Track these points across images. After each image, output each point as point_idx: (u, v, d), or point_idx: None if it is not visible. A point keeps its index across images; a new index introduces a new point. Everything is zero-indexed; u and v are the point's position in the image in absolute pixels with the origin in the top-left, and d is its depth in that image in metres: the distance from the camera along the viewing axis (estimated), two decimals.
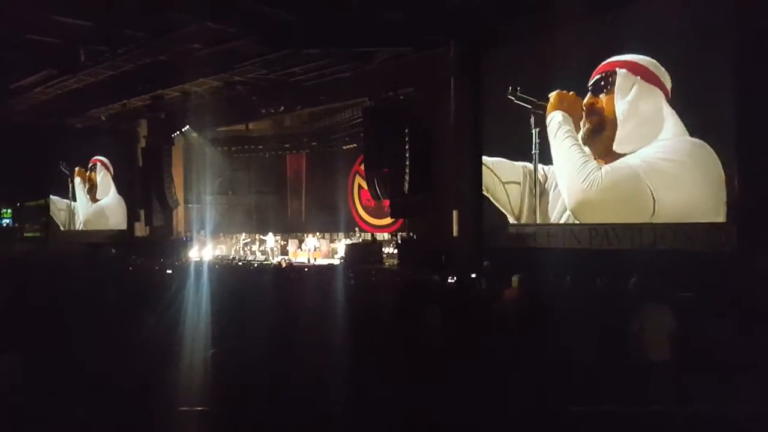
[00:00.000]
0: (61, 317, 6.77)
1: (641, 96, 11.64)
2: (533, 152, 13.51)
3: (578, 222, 12.78)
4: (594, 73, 12.32)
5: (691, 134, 10.87)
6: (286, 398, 4.96)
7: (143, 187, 22.15)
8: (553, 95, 13.08)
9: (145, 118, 22.25)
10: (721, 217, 10.53)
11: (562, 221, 13.09)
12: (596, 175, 12.33)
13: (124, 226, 23.52)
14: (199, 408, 5.16)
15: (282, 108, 19.88)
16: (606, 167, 12.21)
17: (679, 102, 11.06)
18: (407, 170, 15.48)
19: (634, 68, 11.74)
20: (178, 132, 21.94)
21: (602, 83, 12.23)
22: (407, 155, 15.51)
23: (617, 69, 11.97)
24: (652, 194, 11.34)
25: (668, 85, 11.24)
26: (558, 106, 13.05)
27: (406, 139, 15.62)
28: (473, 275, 10.82)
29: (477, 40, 14.33)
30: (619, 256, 11.58)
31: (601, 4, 12.07)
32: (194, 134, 22.25)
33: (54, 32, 14.79)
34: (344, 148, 22.14)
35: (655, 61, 11.39)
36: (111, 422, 4.63)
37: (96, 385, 5.00)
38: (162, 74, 17.73)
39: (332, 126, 21.79)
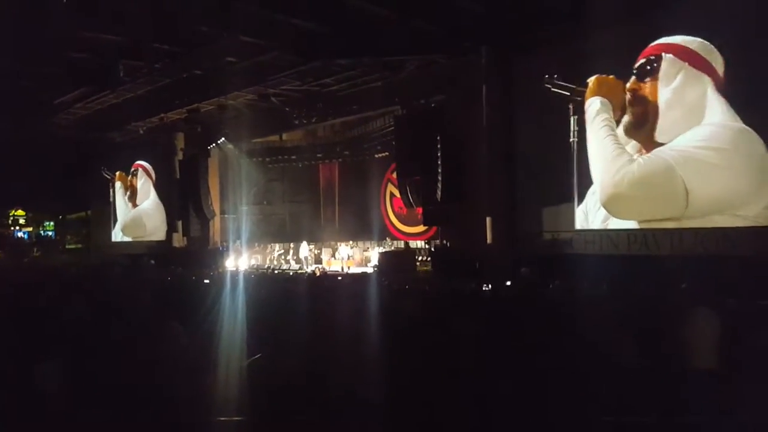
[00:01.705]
0: (102, 327, 6.91)
1: (687, 83, 11.11)
2: (572, 140, 13.04)
3: (612, 216, 12.39)
4: (640, 56, 11.77)
5: (743, 121, 10.38)
6: (323, 408, 4.96)
7: (181, 198, 22.56)
8: (592, 80, 12.60)
9: (182, 130, 22.69)
10: (764, 212, 10.14)
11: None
12: (629, 168, 11.91)
13: (162, 231, 23.80)
14: (237, 418, 5.19)
15: (315, 118, 20.06)
16: (639, 159, 11.77)
17: (731, 88, 10.51)
18: (440, 177, 15.43)
19: (682, 53, 11.19)
20: (214, 144, 22.32)
21: (648, 68, 11.68)
22: (439, 162, 15.47)
23: (663, 54, 11.45)
24: (686, 187, 10.91)
25: (720, 69, 10.67)
26: (597, 92, 12.55)
27: (438, 146, 15.58)
28: (508, 282, 10.70)
29: (508, 46, 14.23)
30: (658, 262, 11.33)
31: (639, 6, 11.75)
32: (230, 146, 22.61)
33: (93, 49, 15.24)
34: (376, 156, 22.20)
35: (707, 43, 10.83)
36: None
37: (132, 394, 5.08)
38: (198, 88, 18.12)
39: (364, 135, 21.90)
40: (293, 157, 24.09)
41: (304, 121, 20.27)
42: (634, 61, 11.89)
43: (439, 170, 15.45)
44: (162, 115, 20.76)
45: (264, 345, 6.31)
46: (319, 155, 23.97)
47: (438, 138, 15.64)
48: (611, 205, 12.45)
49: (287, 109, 19.58)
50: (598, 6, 11.46)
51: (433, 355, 5.53)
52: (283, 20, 13.51)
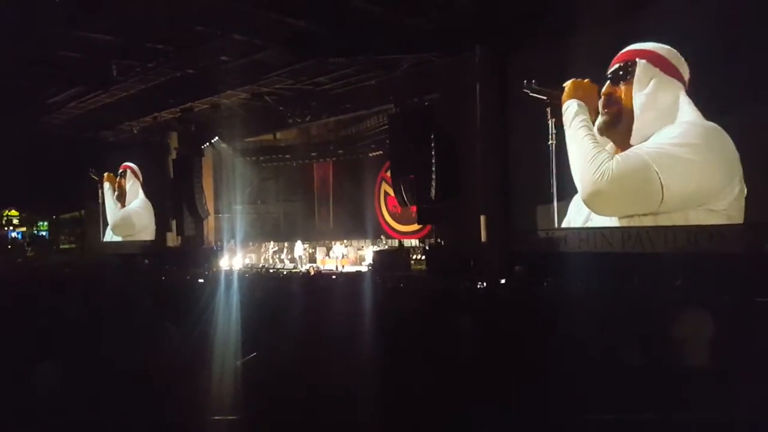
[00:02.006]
0: (97, 327, 6.89)
1: (660, 88, 11.52)
2: (549, 143, 13.34)
3: (594, 214, 12.69)
4: (614, 61, 12.14)
5: (707, 119, 10.85)
6: (316, 408, 4.96)
7: (174, 198, 22.51)
8: (568, 83, 12.91)
9: (176, 130, 22.64)
10: (734, 204, 10.51)
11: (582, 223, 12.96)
12: (607, 165, 12.23)
13: (151, 230, 23.78)
14: (231, 417, 5.19)
15: (309, 117, 20.05)
16: (617, 157, 12.10)
17: (699, 92, 10.97)
18: (434, 176, 15.45)
19: (654, 59, 11.59)
20: (207, 143, 22.29)
21: (621, 72, 12.05)
22: (433, 161, 15.48)
23: (637, 59, 11.80)
24: (661, 182, 11.25)
25: (686, 76, 11.16)
26: (573, 95, 12.87)
27: (432, 144, 15.60)
28: (502, 281, 10.73)
29: (502, 45, 14.27)
30: (653, 260, 11.40)
31: (624, 4, 12.00)
32: (223, 145, 22.58)
33: (86, 48, 15.17)
34: (370, 155, 22.23)
35: (674, 50, 11.28)
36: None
37: (128, 393, 5.07)
38: (191, 87, 18.06)
39: (358, 133, 21.92)
40: (287, 156, 24.08)
41: (298, 120, 20.26)
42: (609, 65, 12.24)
43: (433, 169, 15.47)
44: (155, 114, 20.70)
45: (258, 344, 6.31)
46: (313, 154, 23.97)
47: (432, 137, 15.66)
48: (592, 203, 12.74)
49: (281, 108, 19.56)
50: (589, 6, 11.69)
51: (426, 354, 5.54)
52: (276, 19, 13.48)
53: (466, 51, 14.78)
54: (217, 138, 22.11)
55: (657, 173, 11.31)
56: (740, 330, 6.24)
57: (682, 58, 11.18)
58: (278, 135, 23.64)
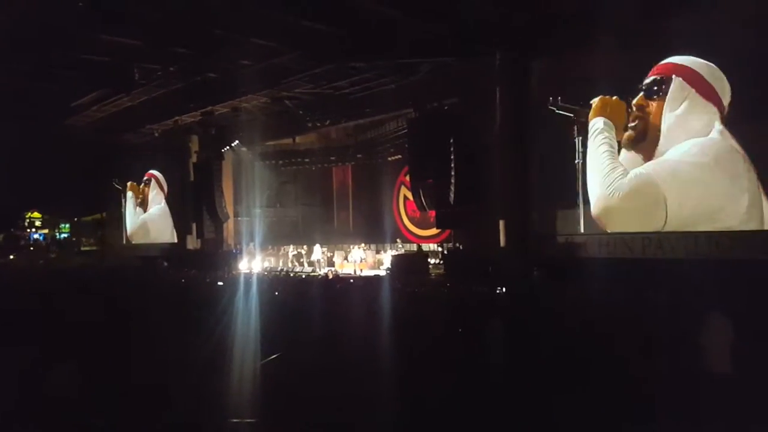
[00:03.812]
0: (117, 328, 6.96)
1: (692, 111, 11.14)
2: (576, 162, 13.21)
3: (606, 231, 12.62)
4: (650, 72, 11.80)
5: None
6: (333, 412, 4.96)
7: (195, 201, 22.67)
8: (596, 101, 12.76)
9: (196, 133, 22.82)
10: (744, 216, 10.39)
11: None
12: (620, 183, 12.21)
13: (167, 237, 24.01)
14: (249, 420, 5.20)
15: (328, 121, 20.11)
16: (630, 174, 12.02)
17: (736, 119, 10.47)
18: (453, 181, 15.39)
19: (691, 78, 11.15)
20: (227, 147, 22.42)
21: (655, 87, 11.72)
22: (452, 166, 15.42)
23: (673, 76, 11.46)
24: (666, 203, 11.24)
25: (726, 99, 10.62)
26: (600, 112, 12.72)
27: (451, 149, 15.54)
28: (520, 286, 10.65)
29: (523, 50, 14.16)
30: (674, 266, 11.22)
31: (652, 13, 11.51)
32: (243, 149, 22.71)
33: (108, 52, 15.38)
34: (389, 159, 22.20)
35: (716, 68, 10.72)
36: None
37: (146, 394, 5.10)
38: (212, 91, 18.23)
39: (377, 138, 21.90)
40: (306, 159, 24.15)
41: (318, 124, 20.32)
42: (643, 74, 11.93)
43: (452, 173, 15.40)
44: (177, 118, 20.91)
45: (279, 345, 6.33)
46: (332, 158, 24.01)
47: (451, 141, 15.60)
48: (602, 217, 12.75)
49: (301, 112, 19.64)
50: (611, 12, 11.41)
51: (441, 357, 5.51)
52: (296, 23, 13.55)
53: (487, 56, 14.70)
54: (237, 141, 22.24)
55: (663, 193, 11.31)
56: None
57: (725, 79, 10.61)
58: (297, 139, 23.71)
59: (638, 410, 4.81)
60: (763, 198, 10.35)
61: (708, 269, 10.15)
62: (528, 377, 5.13)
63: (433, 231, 20.00)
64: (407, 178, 18.86)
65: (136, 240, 25.53)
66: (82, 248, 31.38)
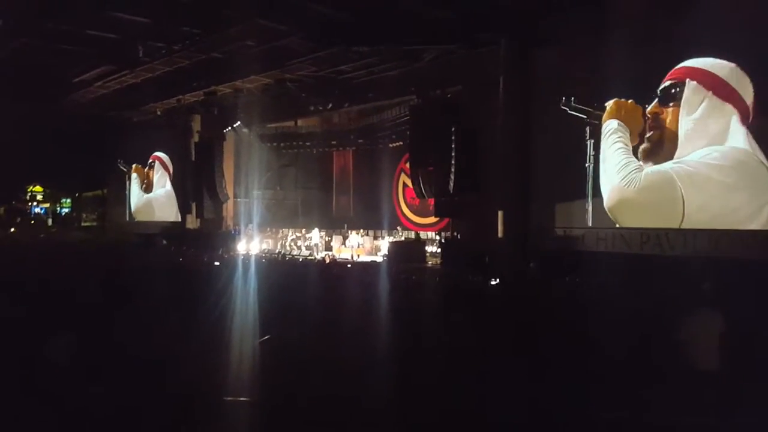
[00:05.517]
0: (114, 303, 7.02)
1: (710, 114, 10.83)
2: (587, 165, 12.97)
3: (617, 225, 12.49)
4: (665, 78, 11.48)
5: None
6: (327, 391, 5.02)
7: (195, 180, 22.69)
8: (610, 103, 12.54)
9: (199, 113, 22.78)
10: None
11: None
12: (636, 175, 12.03)
13: (172, 219, 24.03)
14: (243, 399, 5.27)
15: (330, 105, 20.06)
16: (647, 169, 11.85)
17: (759, 119, 10.15)
18: (453, 169, 15.39)
19: (707, 80, 10.84)
20: (229, 127, 22.40)
21: (671, 92, 11.39)
22: (453, 154, 15.41)
23: (687, 80, 11.14)
24: (683, 200, 11.06)
25: (749, 99, 10.29)
26: (615, 114, 12.48)
27: (453, 137, 15.52)
28: (515, 277, 10.70)
29: (528, 38, 14.07)
30: (671, 263, 11.24)
31: (666, 5, 11.29)
32: (245, 130, 22.69)
33: (113, 28, 15.33)
34: (390, 145, 22.15)
35: (737, 68, 10.38)
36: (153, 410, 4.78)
37: (141, 370, 5.16)
38: (215, 71, 18.19)
39: (379, 123, 21.83)
40: (307, 143, 24.08)
41: (320, 108, 20.29)
42: (659, 78, 11.59)
43: (453, 162, 15.40)
44: (179, 96, 20.87)
45: (274, 326, 6.39)
46: (333, 142, 23.95)
47: (453, 129, 15.57)
48: (615, 211, 12.57)
49: (303, 94, 19.59)
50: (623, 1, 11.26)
51: (430, 343, 5.57)
52: (302, 5, 13.50)
53: (491, 44, 14.63)
54: (238, 122, 22.23)
55: (681, 190, 11.09)
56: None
57: (747, 78, 10.24)
58: (299, 122, 23.68)
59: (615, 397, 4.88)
60: None
61: (707, 268, 10.17)
62: (505, 366, 5.20)
63: (432, 219, 20.00)
64: (407, 165, 18.86)
65: (140, 218, 25.53)
66: (83, 223, 31.42)
